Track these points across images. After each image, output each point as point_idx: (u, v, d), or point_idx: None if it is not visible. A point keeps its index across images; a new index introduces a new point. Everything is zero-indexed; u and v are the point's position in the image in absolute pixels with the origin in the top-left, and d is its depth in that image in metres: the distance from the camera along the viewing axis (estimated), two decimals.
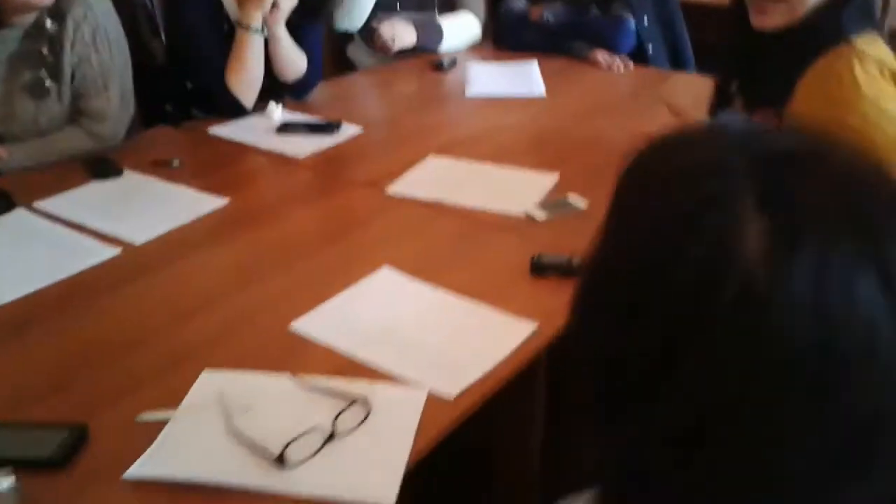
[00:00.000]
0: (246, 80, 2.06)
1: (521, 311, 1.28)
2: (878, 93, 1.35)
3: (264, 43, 2.07)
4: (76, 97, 1.83)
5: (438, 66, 2.57)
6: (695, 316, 0.42)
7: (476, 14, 2.73)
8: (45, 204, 1.63)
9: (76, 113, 1.84)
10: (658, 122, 1.75)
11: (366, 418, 1.04)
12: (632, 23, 2.58)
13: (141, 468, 0.96)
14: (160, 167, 1.80)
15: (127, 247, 1.47)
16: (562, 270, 1.39)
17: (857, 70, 1.35)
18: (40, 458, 0.95)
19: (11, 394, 1.11)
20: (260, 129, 2.04)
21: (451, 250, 1.50)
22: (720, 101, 1.64)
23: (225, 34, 2.08)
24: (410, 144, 2.00)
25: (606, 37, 2.60)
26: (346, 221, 1.65)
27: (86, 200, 1.66)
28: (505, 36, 2.73)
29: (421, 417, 1.05)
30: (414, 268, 1.41)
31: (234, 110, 2.09)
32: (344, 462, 0.98)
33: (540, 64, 2.55)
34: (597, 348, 0.49)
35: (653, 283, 0.44)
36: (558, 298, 1.32)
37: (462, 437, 1.06)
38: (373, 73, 2.58)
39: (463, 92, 2.38)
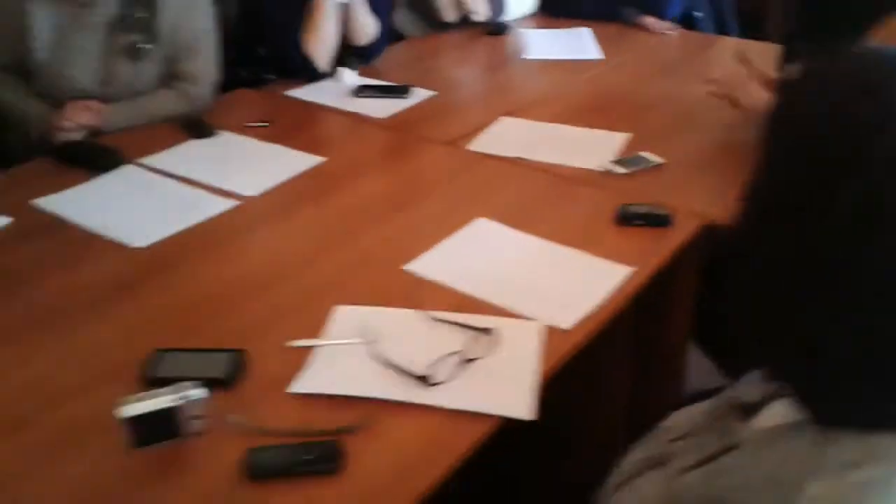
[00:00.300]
0: (322, 44, 2.16)
1: (613, 255, 1.40)
2: None
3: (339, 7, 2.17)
4: (171, 60, 1.93)
5: (493, 32, 2.66)
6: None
7: None
8: (151, 160, 1.75)
9: (170, 76, 1.95)
10: (721, 85, 1.86)
11: (493, 346, 1.16)
12: None
13: (302, 384, 1.09)
14: (251, 127, 1.91)
15: (243, 199, 1.59)
16: (647, 219, 1.50)
17: None
18: (216, 377, 1.08)
19: (174, 325, 1.23)
20: (335, 92, 2.15)
21: (537, 202, 1.62)
22: (788, 58, 1.74)
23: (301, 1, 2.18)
24: (480, 106, 2.12)
25: (655, 3, 2.68)
26: (433, 177, 1.76)
27: (189, 157, 1.77)
28: (558, 3, 2.81)
29: (541, 346, 1.17)
30: (505, 218, 1.52)
31: (310, 74, 2.19)
32: (480, 382, 1.10)
33: (591, 30, 2.64)
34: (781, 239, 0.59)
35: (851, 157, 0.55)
36: (646, 244, 1.44)
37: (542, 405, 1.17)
38: (428, 41, 2.66)
39: (519, 56, 2.47)
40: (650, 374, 1.72)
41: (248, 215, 1.54)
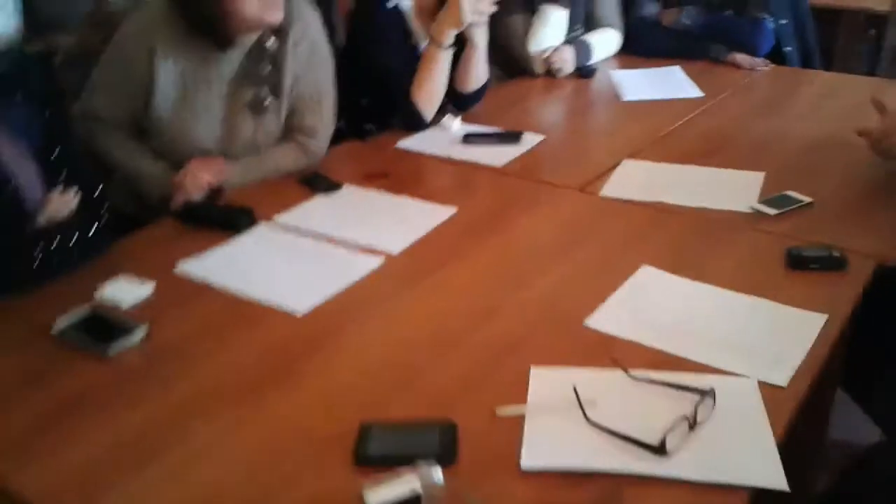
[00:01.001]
0: (431, 94, 2.13)
1: (797, 302, 1.33)
2: None
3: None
4: (291, 114, 1.89)
5: (581, 75, 2.63)
6: None
7: (617, 28, 2.78)
8: (284, 218, 1.70)
9: (289, 129, 1.91)
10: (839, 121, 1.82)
11: (713, 408, 1.09)
12: (770, 23, 2.63)
13: (533, 458, 1.02)
14: (373, 179, 1.87)
15: (387, 255, 1.54)
16: (822, 263, 1.43)
17: None
18: (435, 454, 1.01)
19: (362, 394, 1.16)
20: (444, 141, 2.10)
21: (695, 247, 1.56)
22: None
23: (409, 49, 2.16)
24: (597, 149, 2.08)
25: (746, 38, 2.65)
26: (578, 223, 1.69)
27: (321, 214, 1.72)
28: (640, 42, 2.78)
29: (764, 405, 1.10)
30: (668, 265, 1.46)
31: (416, 124, 2.15)
32: (715, 449, 1.03)
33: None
34: None
35: None
36: (826, 289, 1.38)
37: None
38: (517, 85, 2.62)
39: (616, 97, 2.44)
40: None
41: (397, 272, 1.48)
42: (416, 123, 2.15)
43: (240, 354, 1.27)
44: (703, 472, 0.99)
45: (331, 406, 1.14)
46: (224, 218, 1.69)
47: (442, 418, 1.08)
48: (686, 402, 1.09)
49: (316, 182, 1.84)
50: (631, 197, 1.75)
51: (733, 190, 1.75)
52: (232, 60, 1.81)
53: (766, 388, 1.13)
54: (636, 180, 1.83)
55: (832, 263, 1.43)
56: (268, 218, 1.70)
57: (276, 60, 1.84)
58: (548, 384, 1.16)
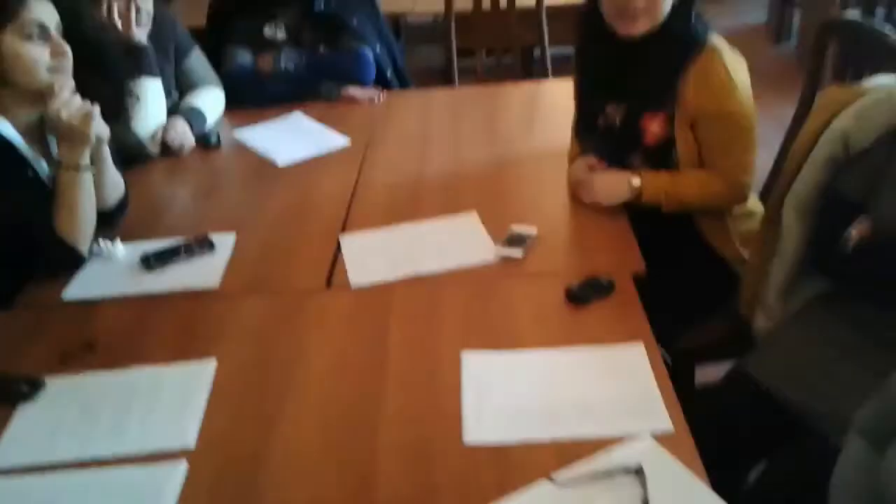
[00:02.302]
0: (83, 222, 1.75)
1: (610, 338, 1.43)
2: (744, 78, 1.75)
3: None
4: None
5: (208, 145, 2.40)
6: None
7: (215, 83, 2.57)
8: None
9: None
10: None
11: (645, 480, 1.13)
12: (368, 53, 2.69)
13: None
14: (75, 359, 1.49)
15: (188, 453, 1.24)
16: (598, 291, 1.55)
17: (729, 64, 1.73)
18: None
19: None
20: (117, 274, 1.76)
21: (481, 312, 1.55)
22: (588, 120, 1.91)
23: (32, 181, 1.72)
24: (298, 234, 1.90)
25: (352, 72, 2.66)
26: (360, 326, 1.55)
27: (41, 434, 1.31)
28: (245, 94, 2.61)
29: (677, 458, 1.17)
30: (479, 341, 1.45)
31: (72, 262, 1.76)
32: None
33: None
34: None
35: None
36: (614, 313, 1.50)
37: None
38: (145, 176, 2.25)
39: (266, 163, 2.27)
40: None
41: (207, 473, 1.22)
42: (71, 261, 1.76)
43: None
44: None
45: None
46: None
47: None
48: (624, 488, 1.11)
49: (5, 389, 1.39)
50: (383, 278, 1.67)
51: (464, 238, 1.78)
52: None
53: (663, 439, 1.20)
54: (371, 259, 1.74)
55: (604, 290, 1.56)
56: None
57: None
58: None
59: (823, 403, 1.45)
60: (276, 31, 2.67)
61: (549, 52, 3.23)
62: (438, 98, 2.78)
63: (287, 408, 1.34)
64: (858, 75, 1.90)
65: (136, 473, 1.22)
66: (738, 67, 1.75)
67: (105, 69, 1.87)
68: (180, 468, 1.22)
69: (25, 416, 1.36)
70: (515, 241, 1.74)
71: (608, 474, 1.14)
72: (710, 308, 1.91)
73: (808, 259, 1.64)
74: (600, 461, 1.17)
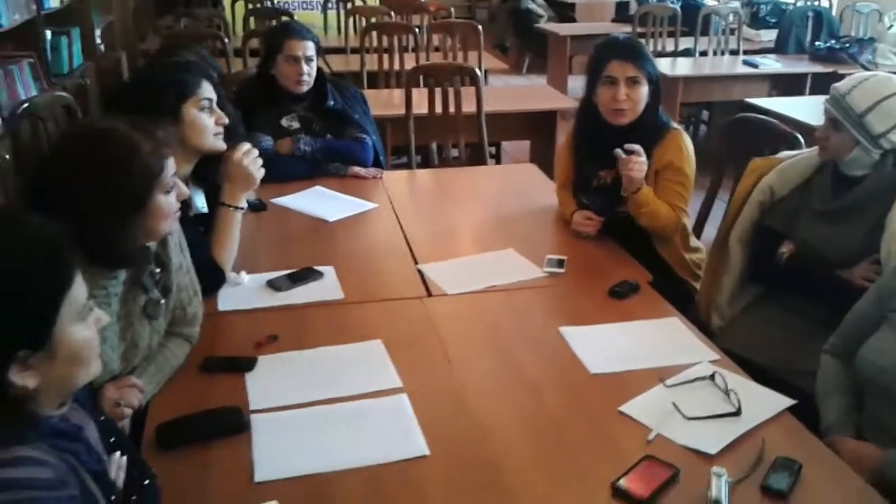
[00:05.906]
0: (232, 252, 2.22)
1: (650, 316, 2.09)
2: (693, 152, 2.56)
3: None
4: (175, 307, 1.80)
5: (257, 209, 2.85)
6: None
7: None
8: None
9: (171, 323, 1.81)
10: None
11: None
12: (370, 141, 3.30)
13: None
14: (265, 346, 1.94)
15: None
16: (629, 289, 2.21)
17: (685, 141, 2.53)
18: None
19: None
20: (252, 294, 2.20)
21: (556, 305, 2.17)
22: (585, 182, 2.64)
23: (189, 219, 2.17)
24: (386, 259, 2.45)
25: (357, 157, 3.26)
26: (473, 323, 2.11)
27: (288, 386, 1.77)
28: (272, 171, 3.11)
29: None
30: (568, 321, 2.06)
31: (217, 282, 2.20)
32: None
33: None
34: None
35: None
36: (648, 301, 2.17)
37: None
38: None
39: (320, 220, 2.77)
40: None
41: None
42: (217, 282, 2.19)
43: None
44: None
45: None
46: (216, 423, 1.61)
47: None
48: (707, 388, 1.75)
49: (235, 364, 1.83)
50: (471, 289, 2.25)
51: (514, 264, 2.40)
52: (120, 273, 1.67)
53: (714, 363, 1.86)
54: (456, 275, 2.31)
55: (634, 289, 2.23)
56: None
57: (161, 260, 1.76)
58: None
59: (780, 361, 2.18)
60: (291, 122, 3.25)
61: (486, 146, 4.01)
62: (420, 177, 3.44)
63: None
64: (755, 153, 2.76)
65: (374, 403, 1.70)
66: (689, 145, 2.56)
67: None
68: (404, 398, 1.72)
69: (254, 380, 1.79)
70: (555, 263, 2.39)
71: (699, 378, 1.77)
72: None
73: (749, 273, 2.41)
74: (685, 375, 1.80)
